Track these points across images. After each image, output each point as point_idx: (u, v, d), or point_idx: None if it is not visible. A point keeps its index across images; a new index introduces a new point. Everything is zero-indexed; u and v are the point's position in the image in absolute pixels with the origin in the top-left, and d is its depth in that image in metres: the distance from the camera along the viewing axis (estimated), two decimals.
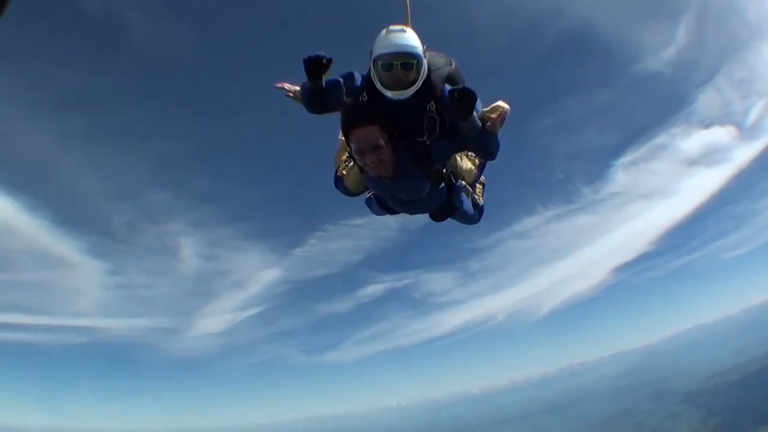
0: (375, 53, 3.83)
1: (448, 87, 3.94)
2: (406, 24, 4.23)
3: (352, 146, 3.96)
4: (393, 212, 4.80)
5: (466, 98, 3.62)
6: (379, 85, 3.87)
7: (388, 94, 3.85)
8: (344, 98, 4.03)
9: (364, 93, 4.01)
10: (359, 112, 3.96)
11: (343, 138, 4.33)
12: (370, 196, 4.79)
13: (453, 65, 4.13)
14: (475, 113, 3.78)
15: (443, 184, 4.46)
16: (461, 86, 3.75)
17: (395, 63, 3.77)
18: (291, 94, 4.36)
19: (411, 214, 4.68)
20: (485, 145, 4.02)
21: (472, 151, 4.34)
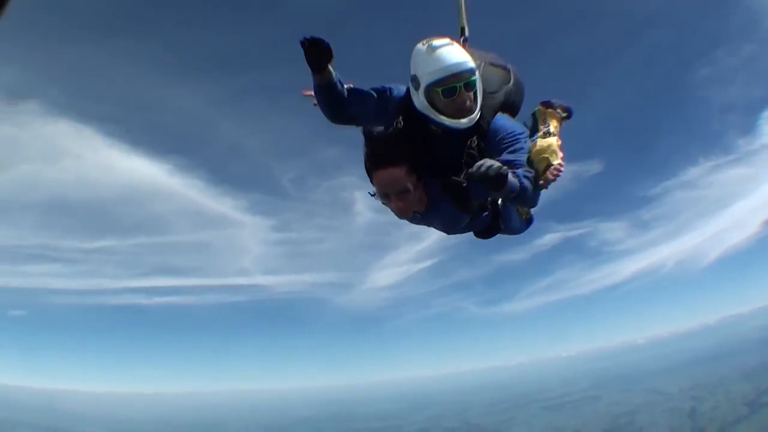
0: (428, 78, 3.17)
1: (505, 125, 3.39)
2: (462, 23, 3.74)
3: (376, 189, 3.38)
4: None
5: (493, 180, 2.84)
6: (438, 116, 3.25)
7: (458, 124, 3.24)
8: (373, 114, 3.58)
9: (401, 118, 3.44)
10: (385, 148, 3.34)
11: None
12: None
13: (511, 80, 3.58)
14: (513, 178, 3.01)
15: (487, 212, 3.89)
16: (479, 170, 2.79)
17: (458, 86, 3.14)
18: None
19: (449, 234, 4.07)
20: (529, 199, 3.39)
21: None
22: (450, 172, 3.46)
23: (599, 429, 73.11)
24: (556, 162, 3.43)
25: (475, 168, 2.84)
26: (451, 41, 3.26)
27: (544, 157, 3.48)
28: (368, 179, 3.49)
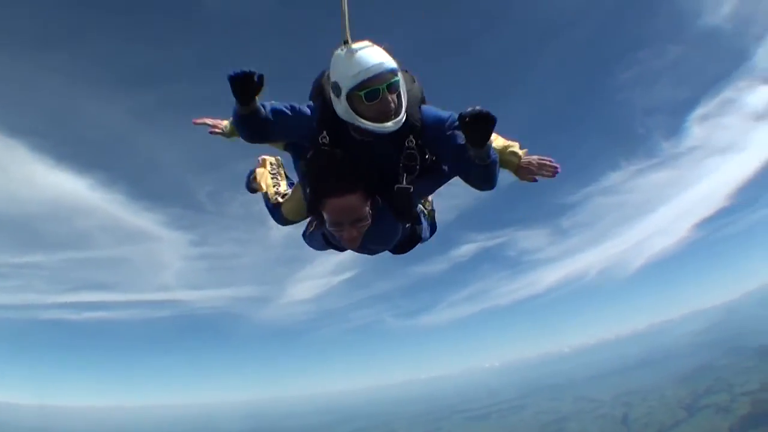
0: (349, 83, 2.91)
1: (440, 113, 3.23)
2: (346, 36, 3.26)
3: (327, 217, 3.04)
4: (341, 249, 3.80)
5: (483, 122, 2.74)
6: (364, 123, 2.99)
7: (384, 127, 2.98)
8: (293, 133, 3.32)
9: (324, 133, 3.19)
10: (335, 173, 3.01)
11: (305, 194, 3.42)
12: (311, 232, 3.86)
13: (416, 82, 3.33)
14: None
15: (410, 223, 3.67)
16: (475, 109, 2.73)
17: (381, 88, 2.89)
18: (218, 131, 3.72)
19: (370, 254, 3.78)
20: (491, 175, 3.11)
21: (467, 181, 3.26)
22: (387, 181, 3.24)
23: None
24: (519, 150, 3.43)
25: (468, 110, 2.76)
26: (371, 43, 3.03)
27: (511, 151, 3.40)
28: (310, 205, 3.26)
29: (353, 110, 3.01)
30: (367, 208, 3.06)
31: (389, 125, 3.01)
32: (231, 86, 2.91)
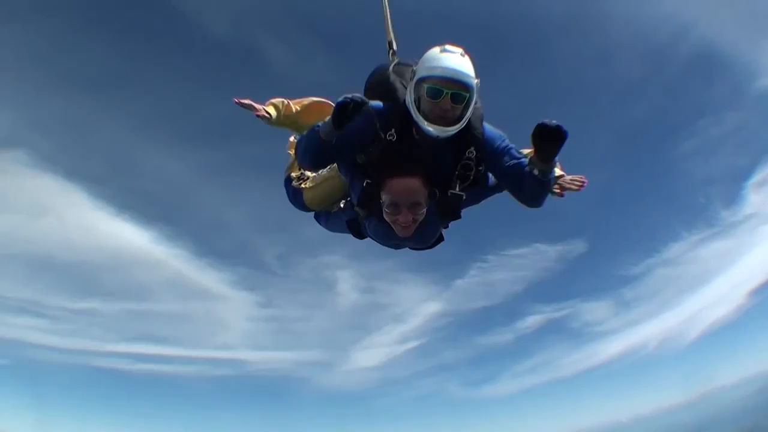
0: (422, 72, 3.04)
1: (496, 130, 3.32)
2: (390, 37, 3.81)
3: (386, 198, 3.10)
4: (360, 236, 3.81)
5: (556, 137, 2.75)
6: (417, 115, 3.03)
7: (429, 129, 3.00)
8: (356, 142, 3.22)
9: (393, 130, 3.17)
10: (401, 157, 3.13)
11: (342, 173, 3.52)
12: (335, 211, 3.95)
13: (478, 103, 3.29)
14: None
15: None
16: (552, 121, 2.72)
17: (445, 91, 2.95)
18: (264, 115, 3.55)
19: (396, 249, 3.85)
20: (545, 193, 3.25)
21: (518, 195, 3.34)
22: (440, 185, 3.30)
23: None
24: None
25: (548, 120, 2.74)
26: (464, 53, 3.09)
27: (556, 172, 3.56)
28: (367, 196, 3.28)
29: (416, 100, 3.04)
30: (425, 197, 3.09)
31: (431, 129, 3.00)
32: (337, 111, 2.86)
